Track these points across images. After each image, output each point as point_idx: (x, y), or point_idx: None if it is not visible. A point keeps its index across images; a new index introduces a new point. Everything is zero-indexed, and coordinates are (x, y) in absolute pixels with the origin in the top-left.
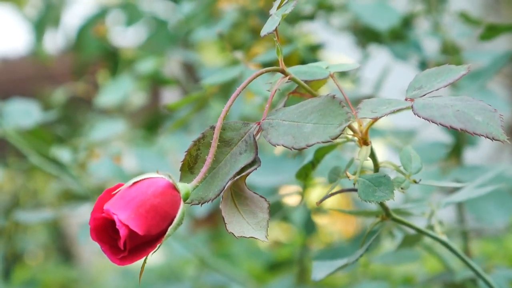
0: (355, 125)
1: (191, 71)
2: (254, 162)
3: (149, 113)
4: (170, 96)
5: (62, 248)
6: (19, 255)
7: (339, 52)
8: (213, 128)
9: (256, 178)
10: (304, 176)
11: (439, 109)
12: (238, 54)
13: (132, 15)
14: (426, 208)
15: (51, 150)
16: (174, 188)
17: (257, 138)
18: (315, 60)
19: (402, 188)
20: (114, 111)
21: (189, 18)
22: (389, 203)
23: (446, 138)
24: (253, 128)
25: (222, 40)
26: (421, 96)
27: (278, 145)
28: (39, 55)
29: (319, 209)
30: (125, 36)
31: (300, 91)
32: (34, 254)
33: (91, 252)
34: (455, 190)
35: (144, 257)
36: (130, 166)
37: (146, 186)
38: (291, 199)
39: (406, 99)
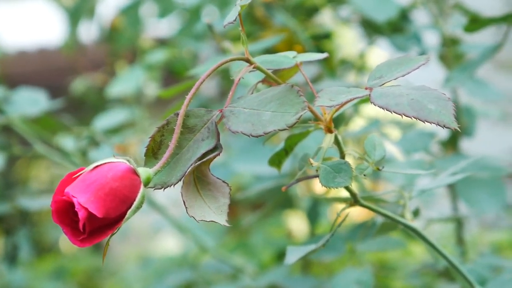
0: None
1: None
2: (216, 148)
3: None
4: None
5: None
6: (51, 243)
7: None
8: (177, 114)
9: (261, 168)
10: (277, 163)
11: (394, 98)
12: (227, 43)
13: (165, 7)
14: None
15: (56, 138)
16: (134, 172)
17: (224, 126)
18: (318, 50)
19: (364, 175)
20: (130, 101)
21: (196, 8)
22: None
23: (443, 130)
24: (216, 115)
25: (211, 31)
26: (380, 85)
27: (237, 132)
28: (67, 46)
29: (320, 197)
30: (158, 28)
31: (270, 80)
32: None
33: (118, 242)
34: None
35: (107, 239)
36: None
37: (106, 170)
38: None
39: (366, 88)
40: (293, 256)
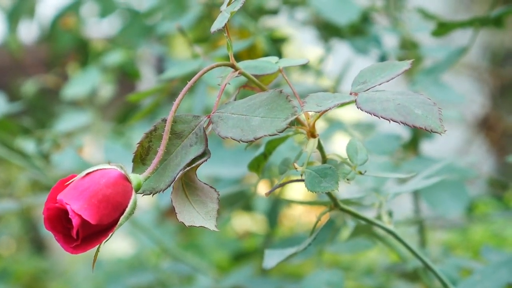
0: (304, 118)
1: (162, 63)
2: (204, 154)
3: (122, 106)
4: (142, 89)
5: (35, 239)
6: None
7: (307, 46)
8: (164, 120)
9: (220, 170)
10: (257, 167)
11: (381, 103)
12: (197, 48)
13: (106, 7)
14: (377, 198)
15: (16, 141)
16: (126, 179)
17: (207, 131)
18: (278, 54)
19: (347, 179)
20: (84, 103)
21: (154, 9)
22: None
23: (404, 131)
24: (203, 121)
25: (182, 34)
26: (365, 91)
27: (227, 137)
28: (10, 45)
29: (281, 199)
30: (100, 28)
31: (251, 85)
32: (7, 244)
33: None
34: (409, 180)
35: (98, 246)
36: (98, 158)
37: (99, 177)
38: (257, 190)
39: (350, 93)
40: (272, 259)
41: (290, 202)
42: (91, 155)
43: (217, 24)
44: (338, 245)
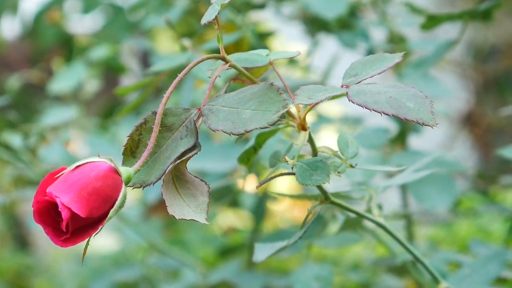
0: (294, 111)
1: (147, 58)
2: (195, 146)
3: (106, 101)
4: (129, 83)
5: (18, 236)
6: None
7: (290, 41)
8: (154, 113)
9: (208, 164)
10: (246, 160)
11: (372, 96)
12: (186, 41)
13: (89, 2)
14: (366, 192)
15: (3, 135)
16: (116, 171)
17: (198, 123)
18: (264, 48)
19: (338, 172)
20: (68, 98)
21: (139, 4)
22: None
23: (392, 125)
24: (194, 113)
25: (170, 28)
26: (356, 83)
27: (217, 130)
28: None
29: (268, 194)
30: (82, 23)
31: (241, 78)
32: None
33: (47, 239)
34: (397, 174)
35: (87, 239)
36: (83, 153)
37: (89, 170)
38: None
39: (342, 86)
40: (262, 253)
41: (279, 196)
42: (75, 150)
43: (208, 16)
44: (327, 239)
